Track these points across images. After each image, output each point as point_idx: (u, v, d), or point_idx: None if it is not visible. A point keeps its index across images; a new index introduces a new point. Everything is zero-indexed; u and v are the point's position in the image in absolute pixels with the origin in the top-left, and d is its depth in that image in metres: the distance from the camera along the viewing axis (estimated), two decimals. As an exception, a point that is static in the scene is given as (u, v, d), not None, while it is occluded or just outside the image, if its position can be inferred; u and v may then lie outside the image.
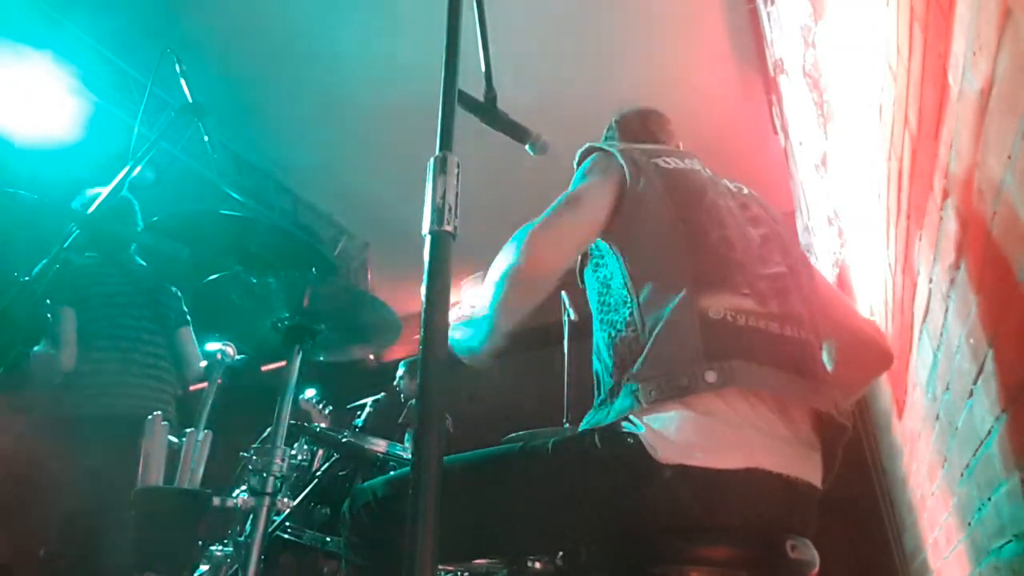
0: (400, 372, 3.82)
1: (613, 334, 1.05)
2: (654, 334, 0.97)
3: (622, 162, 1.13)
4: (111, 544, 1.87)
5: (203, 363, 2.44)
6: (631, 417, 0.95)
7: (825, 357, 1.17)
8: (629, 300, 1.03)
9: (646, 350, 0.97)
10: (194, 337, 2.41)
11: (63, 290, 2.06)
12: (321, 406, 3.32)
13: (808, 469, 0.96)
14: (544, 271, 1.03)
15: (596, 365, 1.10)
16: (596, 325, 1.12)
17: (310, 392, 3.40)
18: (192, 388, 2.41)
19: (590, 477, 0.95)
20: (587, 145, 1.24)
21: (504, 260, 1.02)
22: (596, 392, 1.08)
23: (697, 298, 0.98)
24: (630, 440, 0.93)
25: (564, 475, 0.97)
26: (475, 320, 1.07)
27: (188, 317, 2.42)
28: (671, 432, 0.91)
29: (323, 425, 2.98)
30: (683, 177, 1.15)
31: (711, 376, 0.92)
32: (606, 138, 1.52)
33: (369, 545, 1.04)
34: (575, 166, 1.22)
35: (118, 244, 2.29)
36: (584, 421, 1.05)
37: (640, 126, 1.49)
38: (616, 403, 0.98)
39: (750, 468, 0.89)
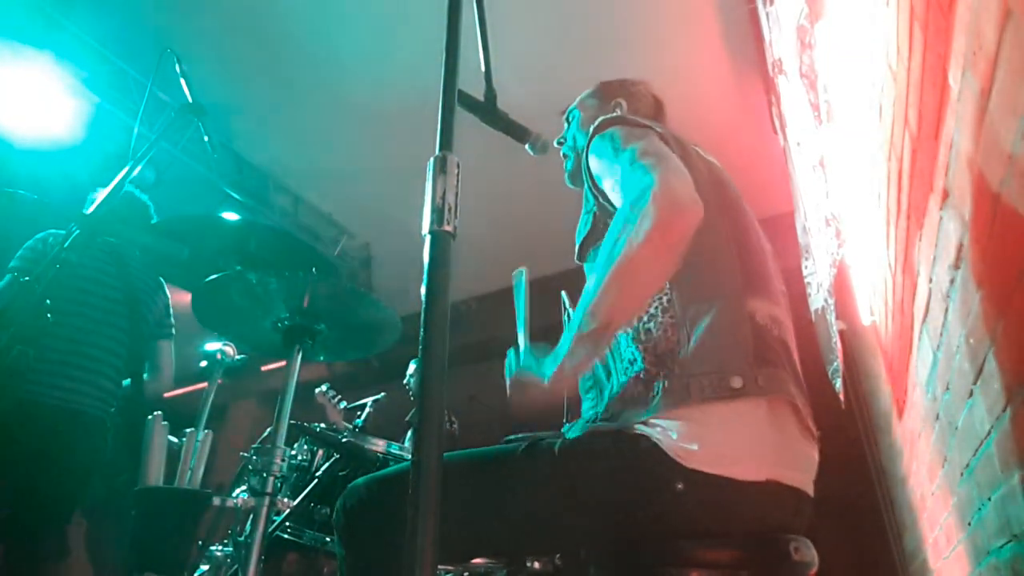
0: (411, 369, 3.76)
1: (642, 316, 0.98)
2: (701, 327, 0.93)
3: (667, 137, 1.06)
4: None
5: (203, 363, 2.44)
6: (668, 415, 0.90)
7: None
8: (666, 284, 0.98)
9: (693, 342, 0.93)
10: (173, 352, 2.38)
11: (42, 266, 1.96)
12: (336, 400, 3.29)
13: (809, 481, 0.97)
14: (691, 216, 0.87)
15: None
16: None
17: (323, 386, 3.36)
18: (185, 390, 2.35)
19: (600, 480, 0.93)
20: (617, 114, 1.12)
21: (625, 231, 0.86)
22: (605, 376, 1.03)
23: (746, 299, 0.96)
24: (645, 444, 0.90)
25: (571, 477, 0.94)
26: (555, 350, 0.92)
27: (172, 331, 2.39)
28: (707, 435, 0.87)
29: (336, 420, 2.96)
30: (722, 173, 1.13)
31: (763, 380, 0.90)
32: (596, 99, 1.43)
33: (363, 542, 1.02)
34: (589, 129, 1.10)
35: (124, 243, 2.27)
36: (604, 407, 0.99)
37: (655, 113, 1.41)
38: (658, 395, 0.92)
39: (768, 480, 0.88)
